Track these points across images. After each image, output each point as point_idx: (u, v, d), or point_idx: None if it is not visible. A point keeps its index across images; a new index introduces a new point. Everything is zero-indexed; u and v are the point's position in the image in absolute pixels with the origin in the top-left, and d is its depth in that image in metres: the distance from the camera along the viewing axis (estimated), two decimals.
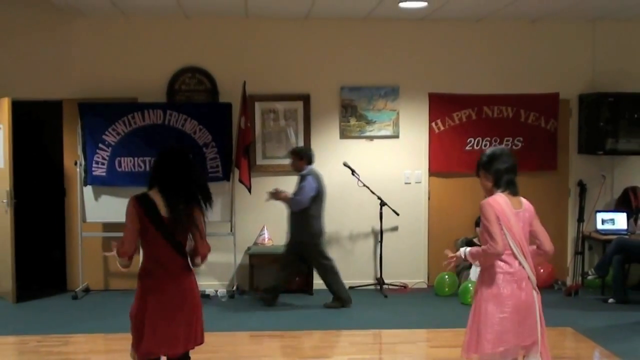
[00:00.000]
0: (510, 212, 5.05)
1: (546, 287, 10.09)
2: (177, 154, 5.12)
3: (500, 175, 5.11)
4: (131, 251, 4.94)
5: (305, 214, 9.14)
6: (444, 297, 9.84)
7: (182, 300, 5.01)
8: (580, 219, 10.38)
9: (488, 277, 5.09)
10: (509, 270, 5.05)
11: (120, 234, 4.98)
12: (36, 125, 11.41)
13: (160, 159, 5.11)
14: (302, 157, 9.32)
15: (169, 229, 4.94)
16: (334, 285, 9.32)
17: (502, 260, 5.05)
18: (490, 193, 5.15)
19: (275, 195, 9.34)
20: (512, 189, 5.14)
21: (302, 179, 9.21)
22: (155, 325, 4.94)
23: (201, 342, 5.15)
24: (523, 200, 5.19)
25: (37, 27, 10.12)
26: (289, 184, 10.04)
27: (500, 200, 5.06)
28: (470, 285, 9.27)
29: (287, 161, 10.06)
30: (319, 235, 9.33)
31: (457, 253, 5.28)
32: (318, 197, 9.21)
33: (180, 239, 5.02)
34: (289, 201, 9.23)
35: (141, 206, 4.92)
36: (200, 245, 5.07)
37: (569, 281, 10.55)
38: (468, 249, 5.21)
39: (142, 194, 4.98)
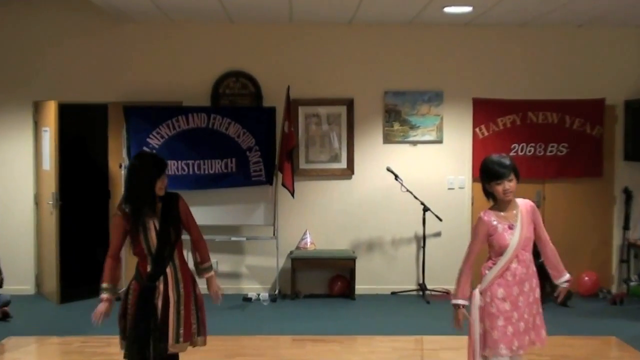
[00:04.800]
0: None
1: (591, 295, 10.22)
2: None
3: None
4: None
5: None
6: None
7: None
8: (626, 227, 10.31)
9: None
10: None
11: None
12: (82, 128, 11.37)
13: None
14: None
15: None
16: None
17: None
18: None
19: None
20: None
21: None
22: None
23: None
24: None
25: (84, 31, 10.13)
26: (332, 188, 10.40)
27: None
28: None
29: (330, 166, 10.33)
30: None
31: None
32: None
33: None
34: None
35: None
36: None
37: (614, 289, 10.41)
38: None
39: None
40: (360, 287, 10.17)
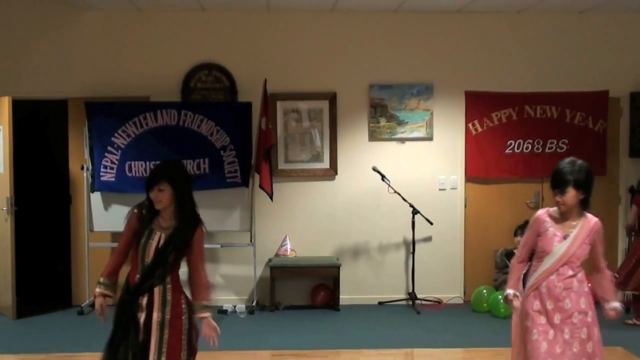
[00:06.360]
0: None
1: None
2: None
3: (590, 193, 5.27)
4: None
5: None
6: (481, 314, 9.80)
7: None
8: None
9: None
10: None
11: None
12: (39, 126, 11.47)
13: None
14: None
15: None
16: None
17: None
18: (573, 209, 5.19)
19: None
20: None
21: None
22: None
23: None
24: None
25: (40, 19, 10.13)
26: (313, 190, 10.50)
27: None
28: (500, 297, 9.40)
29: (311, 165, 10.43)
30: None
31: None
32: None
33: None
34: None
35: None
36: None
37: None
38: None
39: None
40: (345, 297, 10.20)
